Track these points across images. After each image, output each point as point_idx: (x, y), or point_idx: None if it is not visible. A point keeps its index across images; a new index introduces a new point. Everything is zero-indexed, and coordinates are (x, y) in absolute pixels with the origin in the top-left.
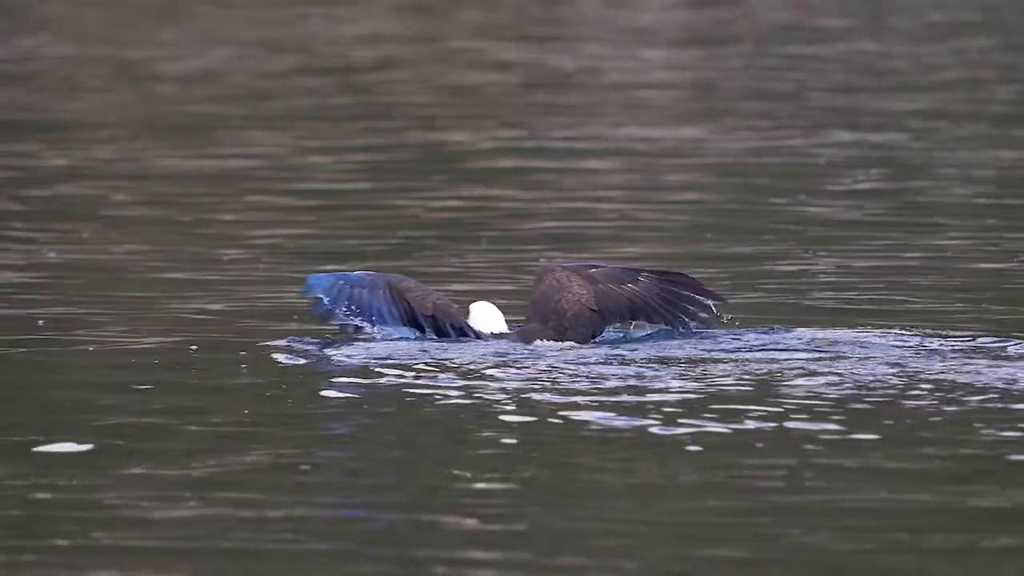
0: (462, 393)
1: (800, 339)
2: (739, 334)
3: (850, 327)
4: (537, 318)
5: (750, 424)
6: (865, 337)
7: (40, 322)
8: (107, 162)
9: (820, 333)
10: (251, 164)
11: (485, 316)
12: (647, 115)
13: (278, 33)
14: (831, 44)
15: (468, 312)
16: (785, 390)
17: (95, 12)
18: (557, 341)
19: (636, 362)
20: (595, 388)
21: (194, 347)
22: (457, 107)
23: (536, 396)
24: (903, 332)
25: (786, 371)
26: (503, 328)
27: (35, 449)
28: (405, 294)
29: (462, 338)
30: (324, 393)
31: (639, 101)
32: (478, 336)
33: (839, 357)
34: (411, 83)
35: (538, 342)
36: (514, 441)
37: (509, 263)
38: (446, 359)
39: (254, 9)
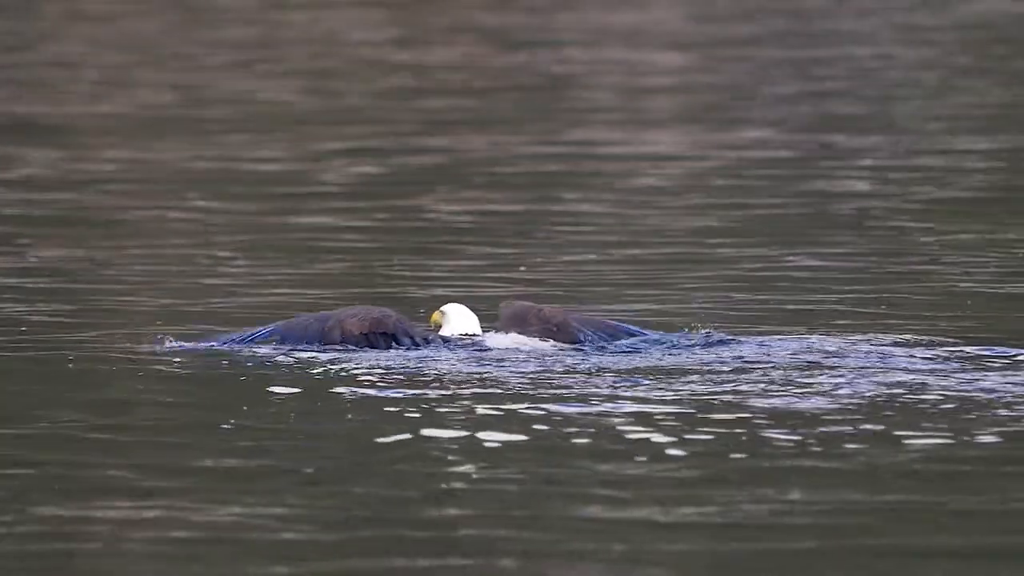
0: (432, 400)
1: (790, 345)
2: (725, 341)
3: (843, 332)
4: (516, 327)
5: (726, 431)
6: (852, 344)
7: (23, 328)
8: (102, 165)
9: (808, 339)
10: (243, 168)
11: (458, 318)
12: (645, 119)
13: (279, 35)
14: (832, 47)
15: (443, 314)
16: (767, 398)
17: (102, 15)
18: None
19: (611, 370)
20: (564, 395)
21: (179, 360)
22: (458, 112)
23: (505, 403)
24: (886, 338)
25: (767, 379)
26: (476, 330)
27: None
28: (344, 323)
29: (399, 347)
30: (296, 402)
31: (637, 106)
32: (417, 343)
33: (822, 365)
34: (411, 86)
35: (524, 339)
36: (483, 448)
37: (506, 268)
38: (423, 367)
39: (256, 11)
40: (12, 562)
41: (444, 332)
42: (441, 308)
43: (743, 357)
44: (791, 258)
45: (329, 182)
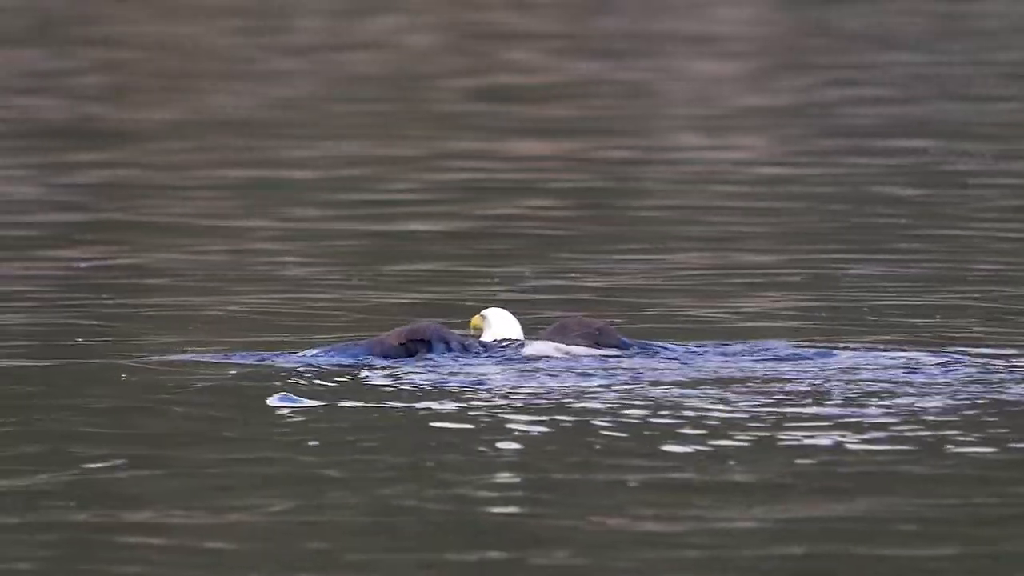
0: (465, 408)
1: (845, 355)
2: (778, 350)
3: (898, 342)
4: (557, 335)
5: (769, 440)
6: (906, 354)
7: (79, 339)
8: (154, 171)
9: (862, 350)
10: (293, 175)
11: (500, 322)
12: (699, 128)
13: (345, 40)
14: (887, 53)
15: (483, 318)
16: (817, 407)
17: (163, 19)
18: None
19: (652, 379)
20: (604, 403)
21: (233, 371)
22: (505, 118)
23: (542, 411)
24: (940, 348)
25: (819, 389)
26: (518, 335)
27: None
28: (384, 340)
29: (435, 353)
30: (324, 412)
31: (707, 113)
32: (454, 348)
33: (874, 378)
34: (458, 91)
35: (566, 346)
36: (514, 456)
37: (551, 274)
38: (458, 374)
39: (324, 17)
40: (20, 567)
41: (485, 337)
42: (482, 312)
43: (796, 367)
44: (850, 266)
45: (396, 188)
